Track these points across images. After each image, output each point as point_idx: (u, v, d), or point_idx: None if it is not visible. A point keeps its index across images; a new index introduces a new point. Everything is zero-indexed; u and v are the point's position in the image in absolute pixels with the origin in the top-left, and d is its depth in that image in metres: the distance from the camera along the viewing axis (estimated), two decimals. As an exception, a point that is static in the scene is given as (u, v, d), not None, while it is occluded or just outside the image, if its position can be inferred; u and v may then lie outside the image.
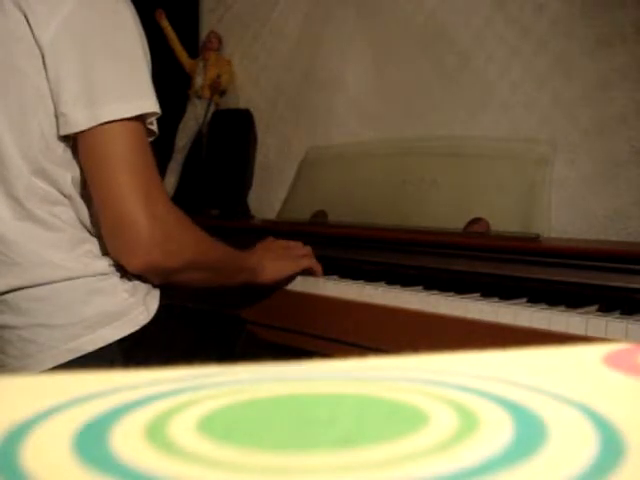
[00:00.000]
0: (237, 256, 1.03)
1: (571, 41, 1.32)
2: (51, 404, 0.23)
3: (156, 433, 0.21)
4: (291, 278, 1.10)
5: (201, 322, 1.04)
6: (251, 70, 1.91)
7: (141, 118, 0.87)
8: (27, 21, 0.85)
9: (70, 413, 0.22)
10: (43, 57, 0.85)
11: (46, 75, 0.85)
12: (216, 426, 0.22)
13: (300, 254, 1.11)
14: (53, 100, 0.86)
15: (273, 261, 1.07)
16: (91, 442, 0.20)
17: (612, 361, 0.28)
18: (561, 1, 1.34)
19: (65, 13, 0.84)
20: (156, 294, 0.95)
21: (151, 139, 0.91)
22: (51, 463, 0.19)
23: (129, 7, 0.89)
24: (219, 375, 0.27)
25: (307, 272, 1.11)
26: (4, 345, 0.90)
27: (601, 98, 1.27)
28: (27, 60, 0.85)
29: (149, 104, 0.87)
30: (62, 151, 0.88)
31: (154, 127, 0.91)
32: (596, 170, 1.27)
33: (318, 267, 1.11)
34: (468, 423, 0.21)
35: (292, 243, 1.14)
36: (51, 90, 0.85)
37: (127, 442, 0.20)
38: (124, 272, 0.92)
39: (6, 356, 0.91)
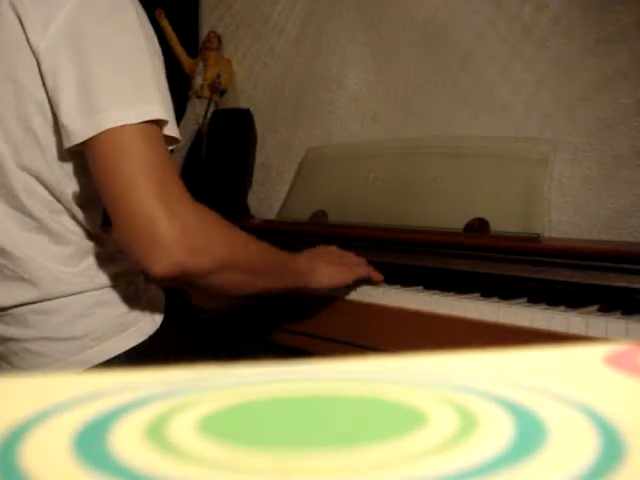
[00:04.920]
0: (284, 257, 0.93)
1: (572, 40, 1.32)
2: (51, 404, 0.23)
3: (156, 433, 0.21)
4: (347, 287, 1.02)
5: (207, 329, 1.02)
6: (251, 70, 1.91)
7: (151, 121, 0.78)
8: (22, 25, 0.79)
9: (70, 413, 0.22)
10: (39, 65, 0.79)
11: (43, 84, 0.79)
12: (216, 426, 0.22)
13: (355, 262, 1.03)
14: (53, 111, 0.80)
15: (327, 265, 0.98)
16: (91, 442, 0.20)
17: (612, 361, 0.28)
18: (561, 0, 1.34)
19: (61, 17, 0.78)
20: (161, 303, 0.93)
21: (172, 147, 0.83)
22: (51, 463, 0.19)
23: (134, 7, 0.82)
24: (219, 375, 0.27)
25: (364, 282, 1.04)
26: (10, 356, 0.89)
27: (602, 98, 1.27)
28: (23, 69, 0.80)
29: (154, 110, 0.78)
30: (65, 164, 0.83)
31: (171, 132, 0.82)
32: (597, 170, 1.27)
33: (377, 276, 1.03)
34: (468, 423, 0.21)
35: (346, 252, 1.05)
36: (50, 100, 0.79)
37: (127, 442, 0.20)
38: (129, 283, 0.90)
39: (12, 367, 0.89)
